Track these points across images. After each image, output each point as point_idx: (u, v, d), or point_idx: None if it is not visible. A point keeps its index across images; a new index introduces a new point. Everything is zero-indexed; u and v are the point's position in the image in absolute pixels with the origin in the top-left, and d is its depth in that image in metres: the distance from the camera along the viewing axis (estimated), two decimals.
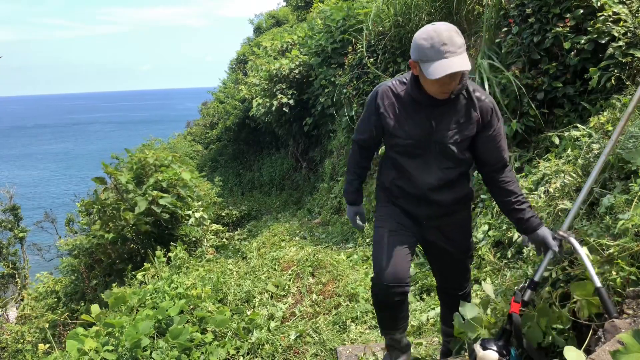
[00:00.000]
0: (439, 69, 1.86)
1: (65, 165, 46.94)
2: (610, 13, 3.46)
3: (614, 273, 2.11)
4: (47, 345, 3.82)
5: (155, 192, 5.63)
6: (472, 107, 2.07)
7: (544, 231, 2.14)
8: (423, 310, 3.37)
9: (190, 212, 6.20)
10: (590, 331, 2.09)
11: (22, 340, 6.08)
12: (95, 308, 3.59)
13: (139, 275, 4.72)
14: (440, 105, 2.06)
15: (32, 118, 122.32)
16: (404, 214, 2.26)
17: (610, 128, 3.07)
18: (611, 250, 2.19)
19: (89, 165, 36.01)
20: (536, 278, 2.26)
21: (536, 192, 3.24)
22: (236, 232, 8.87)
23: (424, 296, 3.63)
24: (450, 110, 2.07)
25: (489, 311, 2.63)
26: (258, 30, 20.84)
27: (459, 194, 2.23)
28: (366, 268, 4.34)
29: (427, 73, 1.90)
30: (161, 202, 5.58)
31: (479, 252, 3.49)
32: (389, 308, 2.22)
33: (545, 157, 3.57)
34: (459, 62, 1.87)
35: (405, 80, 2.15)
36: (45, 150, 58.65)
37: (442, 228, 2.27)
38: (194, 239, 6.17)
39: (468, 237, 2.36)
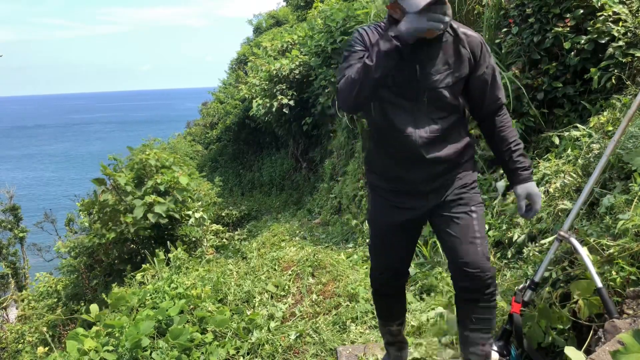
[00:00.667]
0: (414, 3, 1.69)
1: (65, 167, 46.96)
2: (610, 13, 3.46)
3: (614, 273, 2.12)
4: (47, 348, 3.82)
5: (153, 197, 5.63)
6: (460, 44, 1.89)
7: (530, 187, 1.99)
8: (423, 311, 3.36)
9: (190, 213, 6.20)
10: (591, 331, 2.10)
11: (22, 340, 6.08)
12: (94, 308, 3.59)
13: (138, 276, 4.72)
14: (424, 47, 1.85)
15: (32, 118, 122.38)
16: (398, 195, 2.03)
17: (610, 128, 3.07)
18: (611, 250, 2.19)
19: (89, 166, 36.01)
20: (536, 278, 2.27)
21: None
22: (236, 232, 8.88)
23: (424, 296, 3.62)
24: (437, 51, 1.87)
25: None
26: (258, 30, 20.84)
27: (456, 146, 1.97)
28: (366, 268, 4.33)
29: (409, 6, 1.71)
30: (157, 210, 5.58)
31: None
32: (385, 297, 2.24)
33: (545, 157, 3.57)
34: None
35: (381, 25, 1.96)
36: (45, 151, 58.67)
37: (444, 187, 2.00)
38: (194, 239, 6.17)
39: (476, 189, 2.05)
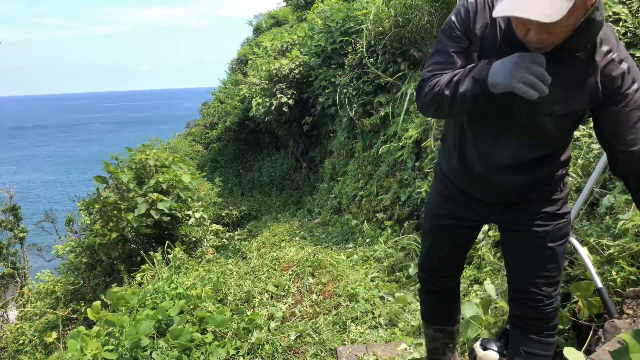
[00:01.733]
0: (502, 6, 1.26)
1: (65, 167, 46.96)
2: (610, 13, 3.46)
3: (614, 273, 2.12)
4: (55, 336, 3.82)
5: (155, 195, 5.63)
6: (590, 68, 1.39)
7: None
8: None
9: (190, 213, 6.20)
10: (591, 331, 2.10)
11: (22, 340, 6.08)
12: (97, 305, 3.59)
13: (138, 277, 4.73)
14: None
15: (32, 118, 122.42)
16: (461, 192, 1.79)
17: None
18: (611, 250, 2.19)
19: (89, 167, 36.04)
20: None
21: None
22: (236, 232, 8.87)
23: None
24: (556, 69, 1.36)
25: (489, 311, 2.64)
26: (257, 30, 20.84)
27: (538, 176, 1.62)
28: (366, 268, 4.34)
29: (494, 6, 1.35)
30: (160, 206, 5.57)
31: (479, 253, 3.49)
32: (427, 293, 2.11)
33: None
34: (532, 3, 1.20)
35: None
36: (45, 151, 58.68)
37: (515, 206, 1.71)
38: (193, 239, 6.17)
39: (564, 220, 1.69)
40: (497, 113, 1.52)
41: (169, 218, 5.78)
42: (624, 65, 1.39)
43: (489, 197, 1.73)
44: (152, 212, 5.56)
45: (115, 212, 5.69)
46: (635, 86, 1.40)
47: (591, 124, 3.27)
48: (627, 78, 1.39)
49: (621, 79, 1.39)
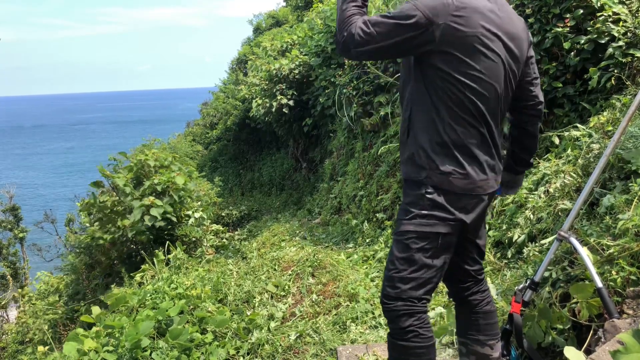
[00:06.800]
0: None
1: (65, 167, 46.95)
2: (610, 13, 3.47)
3: (614, 273, 2.11)
4: (47, 347, 3.82)
5: (150, 199, 5.59)
6: None
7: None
8: None
9: (189, 213, 6.20)
10: (591, 331, 2.10)
11: (22, 339, 6.08)
12: (95, 309, 3.59)
13: (137, 277, 4.72)
14: None
15: (31, 118, 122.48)
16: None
17: (610, 128, 3.07)
18: (611, 250, 2.19)
19: (88, 167, 36.05)
20: (536, 278, 2.26)
21: (536, 192, 3.24)
22: (236, 232, 8.87)
23: None
24: None
25: None
26: (257, 30, 20.85)
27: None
28: (366, 268, 4.33)
29: None
30: (153, 212, 5.51)
31: None
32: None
33: (545, 157, 3.57)
34: None
35: None
36: (45, 152, 58.66)
37: None
38: (193, 239, 6.17)
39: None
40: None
41: (164, 223, 5.75)
42: None
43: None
44: (146, 219, 5.51)
45: (112, 215, 5.67)
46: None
47: (591, 124, 3.27)
48: None
49: None
